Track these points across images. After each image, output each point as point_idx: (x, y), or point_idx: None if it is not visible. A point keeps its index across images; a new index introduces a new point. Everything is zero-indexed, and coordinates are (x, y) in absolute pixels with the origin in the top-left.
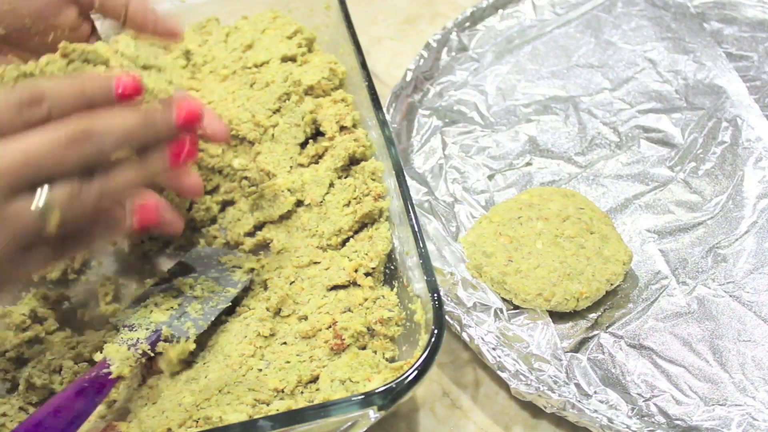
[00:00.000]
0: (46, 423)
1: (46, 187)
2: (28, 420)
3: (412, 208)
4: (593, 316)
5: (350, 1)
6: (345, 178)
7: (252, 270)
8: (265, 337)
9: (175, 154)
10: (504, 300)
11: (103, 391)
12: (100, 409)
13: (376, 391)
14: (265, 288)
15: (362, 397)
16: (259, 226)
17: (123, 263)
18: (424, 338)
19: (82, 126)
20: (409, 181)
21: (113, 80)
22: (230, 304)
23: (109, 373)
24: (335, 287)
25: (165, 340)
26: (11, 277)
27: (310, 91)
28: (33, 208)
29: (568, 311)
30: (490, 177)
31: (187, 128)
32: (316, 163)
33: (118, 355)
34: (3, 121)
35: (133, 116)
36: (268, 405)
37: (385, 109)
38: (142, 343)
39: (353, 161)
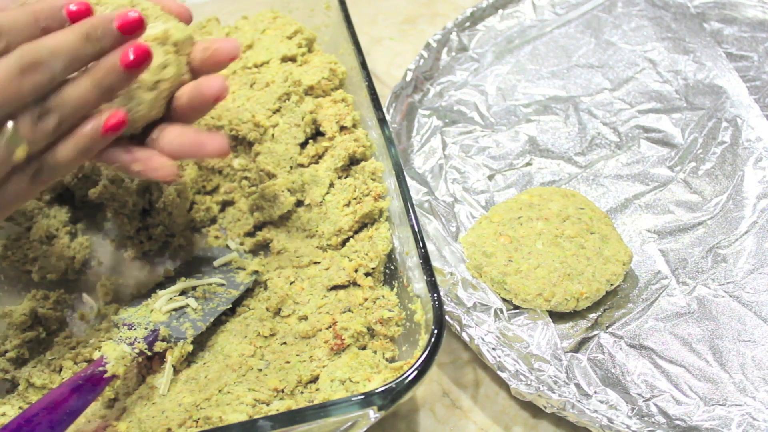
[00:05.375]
0: (38, 418)
1: (10, 123)
2: (21, 414)
3: (412, 208)
4: (593, 316)
5: (350, 1)
6: (345, 178)
7: (256, 272)
8: (265, 337)
9: (126, 56)
10: (504, 300)
11: (97, 389)
12: (100, 408)
13: (376, 391)
14: (265, 288)
15: (362, 397)
16: (259, 226)
17: (123, 263)
18: (424, 338)
19: (28, 54)
20: (409, 181)
21: (62, 5)
22: (231, 305)
23: (105, 371)
24: (335, 287)
25: (163, 340)
26: None
27: (310, 91)
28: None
29: (568, 311)
30: (490, 177)
31: (130, 33)
32: (316, 163)
33: (114, 353)
34: None
35: (74, 32)
36: (268, 405)
37: (385, 109)
38: (139, 342)
39: (353, 161)
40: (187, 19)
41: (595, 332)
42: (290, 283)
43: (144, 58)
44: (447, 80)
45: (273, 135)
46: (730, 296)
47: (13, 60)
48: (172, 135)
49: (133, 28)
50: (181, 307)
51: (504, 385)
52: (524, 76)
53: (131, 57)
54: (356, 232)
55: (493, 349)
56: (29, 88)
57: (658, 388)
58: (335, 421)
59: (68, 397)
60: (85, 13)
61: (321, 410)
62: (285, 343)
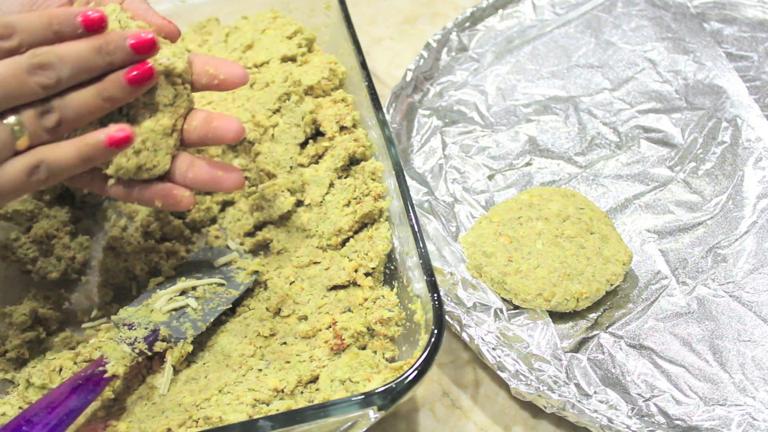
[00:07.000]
0: (38, 418)
1: (12, 117)
2: (21, 414)
3: (412, 208)
4: (593, 316)
5: (350, 1)
6: (345, 178)
7: (256, 272)
8: (265, 337)
9: (131, 71)
10: (504, 300)
11: (97, 389)
12: (100, 408)
13: (376, 391)
14: (265, 288)
15: (362, 397)
16: (259, 226)
17: None
18: (424, 338)
19: (38, 56)
20: (409, 181)
21: (77, 13)
22: (231, 305)
23: (105, 371)
24: (335, 287)
25: (163, 340)
26: None
27: (310, 91)
28: (5, 122)
29: (568, 311)
30: (490, 177)
31: (142, 53)
32: (316, 163)
33: (114, 353)
34: None
35: (87, 43)
36: (268, 405)
37: (385, 109)
38: (139, 342)
39: (353, 161)
40: (175, 37)
41: (595, 332)
42: (290, 283)
43: (148, 77)
44: (447, 80)
45: (273, 135)
46: (730, 296)
47: (24, 59)
48: (186, 167)
49: (147, 48)
50: (181, 307)
51: (504, 385)
52: (524, 76)
53: (135, 73)
54: (356, 232)
55: (493, 349)
56: (33, 87)
57: (658, 388)
58: (335, 421)
59: (68, 397)
60: (99, 22)
61: (321, 410)
62: (285, 343)
